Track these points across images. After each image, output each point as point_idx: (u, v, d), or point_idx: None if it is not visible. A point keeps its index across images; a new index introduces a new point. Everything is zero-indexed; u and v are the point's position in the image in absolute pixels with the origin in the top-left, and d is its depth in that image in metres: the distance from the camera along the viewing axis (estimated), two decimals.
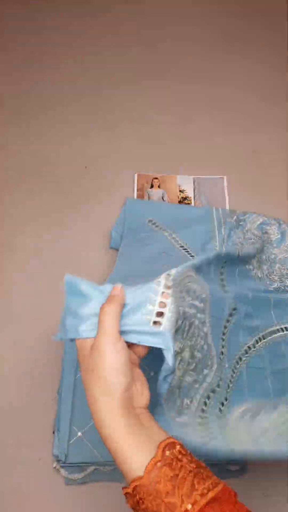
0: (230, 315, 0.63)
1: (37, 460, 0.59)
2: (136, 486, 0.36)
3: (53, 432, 0.59)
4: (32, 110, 0.93)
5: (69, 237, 0.78)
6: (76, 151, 0.88)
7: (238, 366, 0.62)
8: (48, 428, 0.61)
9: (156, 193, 0.84)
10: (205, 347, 0.54)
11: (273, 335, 0.66)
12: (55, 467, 0.57)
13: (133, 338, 0.43)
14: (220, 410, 0.56)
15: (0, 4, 1.07)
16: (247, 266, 0.69)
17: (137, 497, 0.36)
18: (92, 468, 0.57)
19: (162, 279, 0.45)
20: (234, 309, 0.63)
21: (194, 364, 0.52)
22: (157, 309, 0.44)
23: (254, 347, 0.64)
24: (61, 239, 0.78)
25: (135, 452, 0.37)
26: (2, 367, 0.65)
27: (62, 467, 0.57)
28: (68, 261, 0.75)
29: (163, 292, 0.44)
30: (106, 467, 0.57)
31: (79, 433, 0.58)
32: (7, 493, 0.57)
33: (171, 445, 0.38)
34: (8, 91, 0.95)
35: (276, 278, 0.72)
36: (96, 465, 0.57)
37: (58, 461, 0.57)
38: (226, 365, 0.60)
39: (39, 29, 1.04)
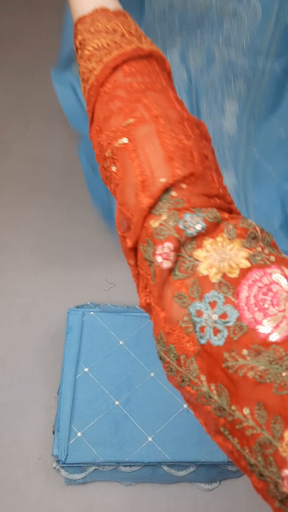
0: None
1: (37, 460, 0.59)
2: (80, 19, 0.35)
3: (53, 432, 0.59)
4: (32, 110, 0.93)
5: (69, 236, 0.78)
6: (76, 151, 0.88)
7: None
8: (48, 428, 0.61)
9: None
10: None
11: None
12: (55, 467, 0.57)
13: None
14: None
15: (2, 4, 1.07)
16: None
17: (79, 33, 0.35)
18: (92, 468, 0.57)
19: None
20: None
21: None
22: None
23: None
24: (61, 239, 0.78)
25: None
26: (2, 367, 0.65)
27: (62, 467, 0.57)
28: (68, 261, 0.75)
29: None
30: (106, 467, 0.57)
31: (79, 433, 0.58)
32: (7, 493, 0.57)
33: (134, 22, 0.36)
34: (8, 90, 0.96)
35: None
36: (96, 465, 0.57)
37: (58, 461, 0.57)
38: None
39: (40, 29, 1.04)
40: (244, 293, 0.25)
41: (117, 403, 0.60)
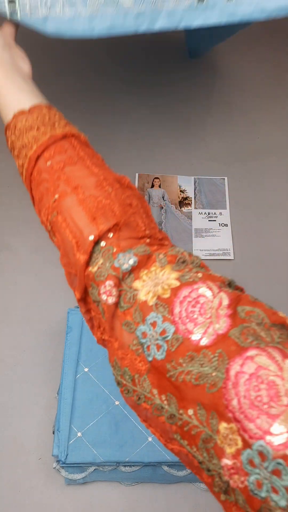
0: None
1: (37, 460, 0.59)
2: (8, 125, 0.43)
3: (53, 432, 0.59)
4: None
5: None
6: None
7: None
8: (48, 428, 0.61)
9: (156, 193, 0.84)
10: None
11: None
12: (55, 467, 0.57)
13: None
14: None
15: None
16: None
17: (10, 134, 0.43)
18: (92, 468, 0.57)
19: None
20: None
21: None
22: None
23: None
24: None
25: (17, 92, 0.45)
26: (2, 368, 0.66)
27: (62, 467, 0.57)
28: None
29: None
30: (106, 467, 0.57)
31: (79, 433, 0.58)
32: (8, 493, 0.57)
33: (50, 108, 0.44)
34: None
35: None
36: (96, 465, 0.57)
37: (58, 461, 0.57)
38: None
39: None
40: (177, 309, 0.29)
41: (117, 403, 0.60)
